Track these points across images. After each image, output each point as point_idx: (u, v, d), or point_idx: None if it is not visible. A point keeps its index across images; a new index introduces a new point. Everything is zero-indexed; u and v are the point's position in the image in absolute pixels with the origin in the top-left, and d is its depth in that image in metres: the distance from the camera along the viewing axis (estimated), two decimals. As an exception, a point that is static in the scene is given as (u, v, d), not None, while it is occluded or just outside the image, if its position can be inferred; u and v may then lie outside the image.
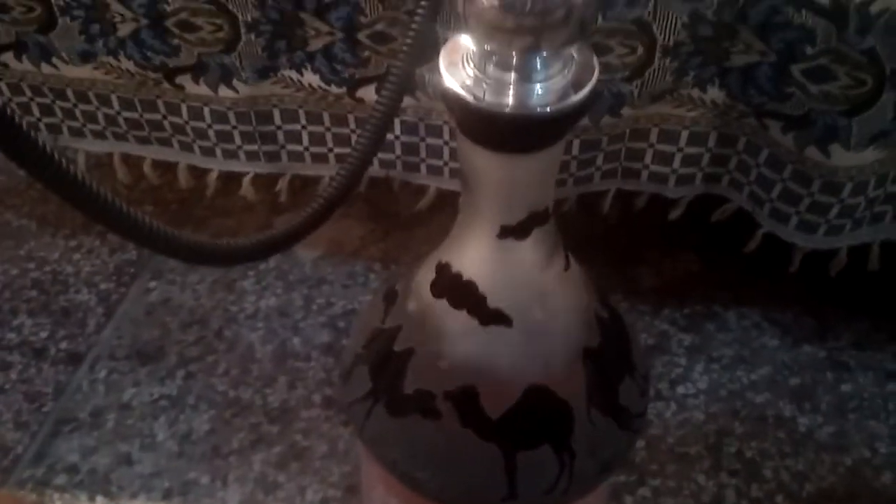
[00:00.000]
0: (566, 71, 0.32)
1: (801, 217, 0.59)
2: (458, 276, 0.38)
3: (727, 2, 0.51)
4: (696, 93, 0.57)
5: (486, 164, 0.34)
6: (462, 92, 0.32)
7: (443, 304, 0.39)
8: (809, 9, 0.50)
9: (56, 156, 0.28)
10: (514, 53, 0.31)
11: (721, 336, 0.73)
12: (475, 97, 0.32)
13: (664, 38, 0.53)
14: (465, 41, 0.33)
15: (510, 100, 0.31)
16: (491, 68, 0.32)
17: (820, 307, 0.74)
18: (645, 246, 0.79)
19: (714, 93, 0.56)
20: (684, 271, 0.78)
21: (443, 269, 0.39)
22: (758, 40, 0.52)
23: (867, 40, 0.50)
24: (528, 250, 0.37)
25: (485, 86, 0.32)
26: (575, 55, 0.33)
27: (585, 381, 0.40)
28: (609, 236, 0.78)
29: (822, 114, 0.53)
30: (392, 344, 0.41)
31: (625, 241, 0.79)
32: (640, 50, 0.54)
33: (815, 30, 0.50)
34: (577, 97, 0.32)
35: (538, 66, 0.31)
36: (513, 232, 0.36)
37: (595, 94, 0.32)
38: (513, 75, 0.31)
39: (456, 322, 0.39)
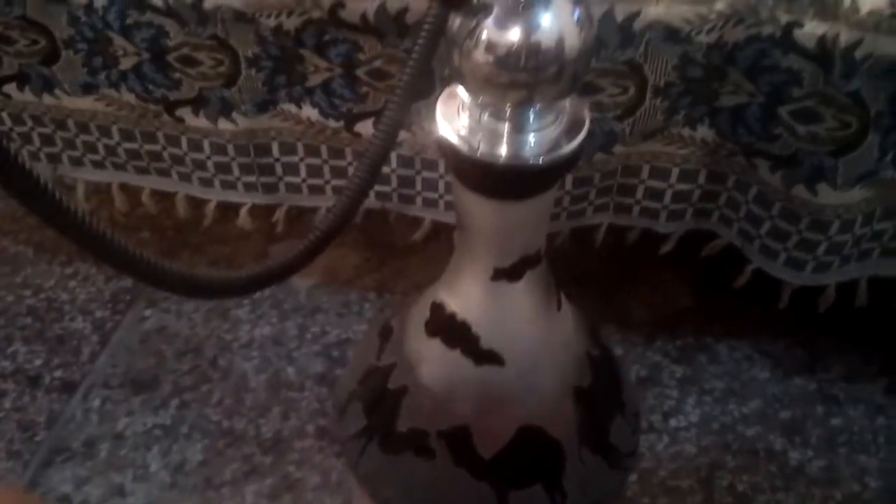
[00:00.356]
0: (558, 121, 0.34)
1: (789, 254, 0.61)
2: (452, 316, 0.39)
3: (716, 45, 0.53)
4: (686, 131, 0.58)
5: (480, 209, 0.35)
6: (457, 142, 0.33)
7: (437, 343, 0.40)
8: (796, 52, 0.51)
9: (48, 185, 0.29)
10: (507, 106, 0.32)
11: (713, 368, 0.74)
12: (470, 147, 0.33)
13: (655, 79, 0.55)
14: (461, 91, 0.34)
15: (504, 150, 0.32)
16: (485, 118, 0.33)
17: (810, 339, 0.75)
18: (637, 278, 0.80)
19: (704, 132, 0.58)
20: (676, 303, 0.79)
21: (437, 309, 0.40)
22: (746, 82, 0.54)
23: (852, 84, 0.51)
24: (520, 292, 0.38)
25: (479, 135, 0.33)
26: (567, 105, 0.35)
27: (576, 420, 0.41)
28: (602, 269, 0.79)
29: (810, 154, 0.55)
30: (386, 381, 0.42)
31: (617, 273, 0.80)
32: (632, 90, 0.56)
33: (802, 73, 0.52)
34: (569, 147, 0.33)
35: (531, 118, 0.32)
36: (506, 274, 0.37)
37: (586, 145, 0.34)
38: (506, 126, 0.33)
39: (449, 361, 0.39)
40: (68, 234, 0.33)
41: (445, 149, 0.34)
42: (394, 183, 0.66)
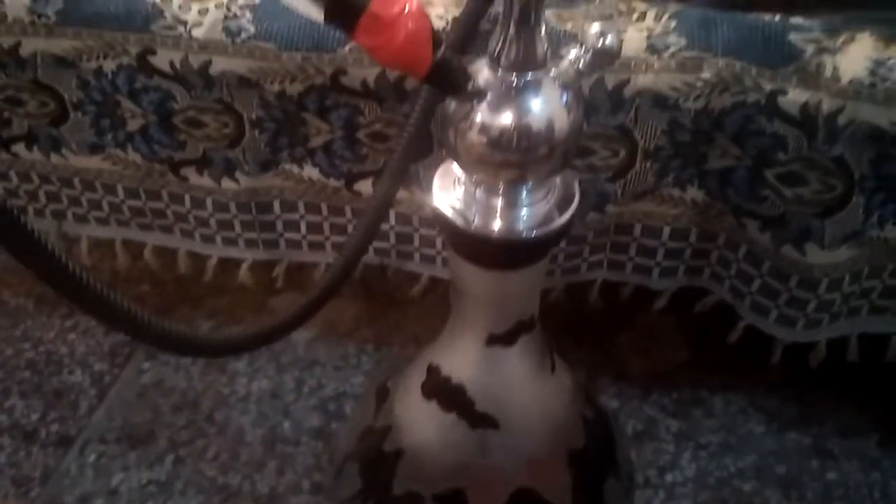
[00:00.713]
0: (550, 195, 0.35)
1: (780, 311, 0.62)
2: (448, 379, 0.40)
3: (703, 111, 0.55)
4: (676, 192, 0.60)
5: (475, 278, 0.37)
6: (453, 215, 0.35)
7: (433, 405, 0.41)
8: (781, 119, 0.54)
9: (55, 251, 0.30)
10: (501, 183, 0.34)
11: (708, 422, 0.75)
12: (465, 220, 0.34)
13: (645, 143, 0.57)
14: (456, 167, 0.36)
15: (498, 224, 0.34)
16: (479, 193, 0.35)
17: (804, 393, 0.76)
18: (633, 331, 0.81)
19: (693, 192, 0.60)
20: (672, 356, 0.80)
21: (433, 372, 0.41)
22: (733, 146, 0.56)
23: (836, 149, 0.53)
24: (515, 356, 0.39)
25: (474, 209, 0.35)
26: (558, 179, 0.36)
27: (571, 482, 0.41)
28: (597, 321, 0.80)
29: (797, 215, 0.56)
30: (382, 443, 0.43)
31: (613, 325, 0.81)
32: (623, 153, 0.58)
33: (787, 138, 0.54)
34: (560, 221, 0.35)
35: (524, 194, 0.34)
36: (500, 339, 0.38)
37: (576, 217, 0.35)
38: (500, 201, 0.34)
39: (445, 424, 0.40)
40: (73, 299, 0.34)
41: (441, 221, 0.35)
42: (392, 240, 0.68)
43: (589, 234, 0.63)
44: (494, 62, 0.31)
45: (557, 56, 0.33)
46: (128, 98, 0.62)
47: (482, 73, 0.31)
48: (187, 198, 0.68)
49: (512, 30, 0.30)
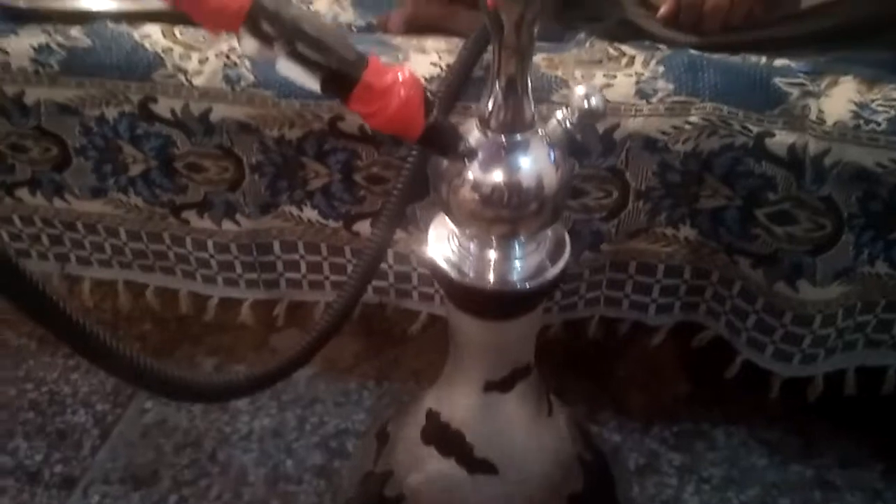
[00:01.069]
0: (542, 247, 0.37)
1: (776, 346, 0.63)
2: (447, 425, 0.41)
3: (692, 153, 0.56)
4: (669, 231, 0.61)
5: (470, 327, 0.38)
6: (447, 267, 0.36)
7: (432, 451, 0.42)
8: (769, 160, 0.55)
9: (51, 296, 0.31)
10: (493, 237, 0.35)
11: (710, 455, 0.75)
12: (460, 272, 0.36)
13: (637, 184, 0.58)
14: (450, 221, 0.37)
15: (492, 277, 0.35)
16: (473, 246, 0.36)
17: (804, 425, 0.76)
18: (632, 365, 0.82)
19: (686, 231, 0.61)
20: (672, 390, 0.80)
21: (432, 417, 0.42)
22: (723, 186, 0.57)
23: (824, 188, 0.54)
24: (512, 402, 0.40)
25: (469, 261, 0.36)
26: (549, 231, 0.38)
27: (569, 527, 0.42)
28: (597, 356, 0.81)
29: (788, 253, 0.58)
30: (383, 489, 0.43)
31: (612, 360, 0.82)
32: (616, 193, 0.59)
33: (776, 178, 0.55)
34: (553, 271, 0.36)
35: (516, 247, 0.35)
36: (497, 386, 0.39)
37: (570, 261, 0.36)
38: (493, 254, 0.35)
39: (444, 470, 0.41)
40: (77, 349, 0.35)
41: (437, 273, 0.37)
42: (391, 278, 0.69)
43: (585, 272, 0.64)
44: (484, 124, 0.33)
45: (544, 117, 0.34)
46: (129, 144, 0.64)
47: (473, 133, 0.33)
48: (189, 240, 0.69)
49: (500, 97, 0.31)
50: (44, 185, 0.69)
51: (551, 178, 0.33)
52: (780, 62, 0.61)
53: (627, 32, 0.70)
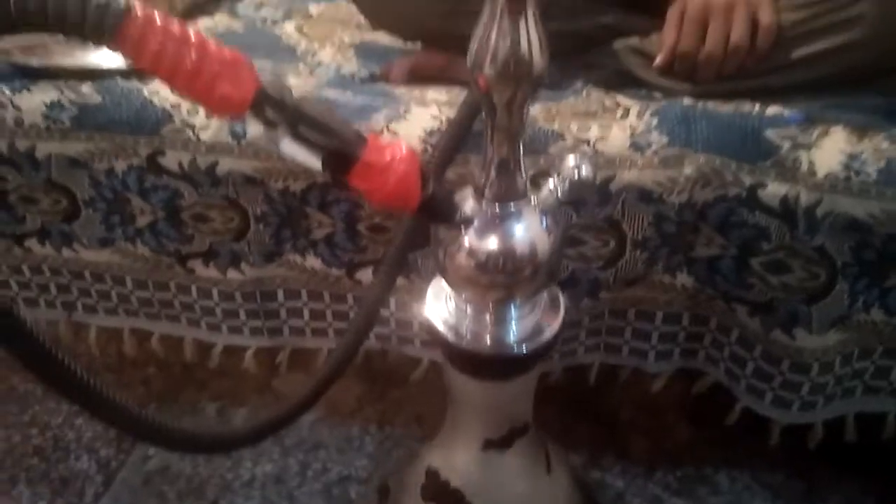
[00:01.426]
0: (537, 309, 0.38)
1: (775, 393, 0.63)
2: (447, 483, 0.42)
3: (687, 204, 0.58)
4: (666, 279, 0.62)
5: (467, 387, 0.39)
6: (444, 330, 0.37)
7: (432, 508, 0.42)
8: (762, 211, 0.57)
9: (51, 349, 0.32)
10: (489, 301, 0.36)
11: (714, 500, 0.75)
12: (457, 335, 0.37)
13: (633, 234, 0.60)
14: (446, 284, 0.38)
15: (488, 340, 0.36)
16: (470, 309, 0.37)
17: (807, 469, 0.77)
18: (634, 409, 0.82)
19: (683, 278, 0.62)
20: (674, 434, 0.81)
21: (432, 475, 0.43)
22: (718, 236, 0.59)
23: (817, 238, 0.56)
24: (511, 460, 0.41)
25: (466, 324, 0.37)
26: (545, 293, 0.39)
27: (568, 583, 0.42)
28: (599, 401, 0.82)
29: (784, 301, 0.59)
30: (384, 546, 0.44)
31: (615, 405, 0.82)
32: (613, 243, 0.60)
33: (769, 229, 0.57)
34: (549, 333, 0.37)
35: (512, 310, 0.37)
36: (496, 444, 0.40)
37: (564, 327, 0.37)
38: (489, 317, 0.37)
39: (444, 527, 0.42)
40: (79, 403, 0.36)
41: (435, 335, 0.38)
42: (392, 325, 0.70)
43: (584, 319, 0.66)
44: (479, 193, 0.34)
45: (536, 186, 0.36)
46: (137, 196, 0.66)
47: (468, 202, 0.34)
48: (194, 288, 0.71)
49: (494, 172, 0.33)
50: (53, 235, 0.71)
51: (544, 244, 0.35)
52: (772, 110, 0.63)
53: (624, 80, 0.73)
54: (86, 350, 0.82)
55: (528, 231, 0.34)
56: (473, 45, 0.31)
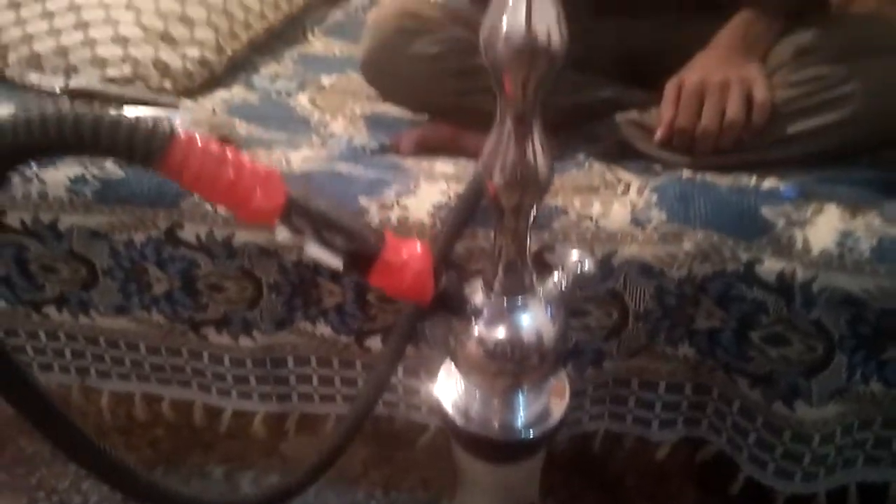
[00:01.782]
0: (544, 395, 0.40)
1: (777, 464, 0.65)
2: (455, 559, 0.43)
3: (687, 279, 0.60)
4: (669, 350, 0.65)
5: (475, 466, 0.41)
6: (453, 413, 0.39)
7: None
8: (759, 286, 0.59)
9: (60, 412, 0.34)
10: (498, 389, 0.39)
11: (719, 568, 0.76)
12: (466, 419, 0.39)
13: (635, 306, 0.62)
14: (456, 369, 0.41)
15: (496, 424, 0.39)
16: (479, 394, 0.40)
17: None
18: (640, 476, 0.83)
19: (685, 349, 0.64)
20: (679, 501, 0.82)
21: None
22: (718, 309, 0.61)
23: (813, 312, 0.58)
24: (517, 537, 0.43)
25: (474, 408, 0.39)
26: (551, 378, 0.41)
27: None
28: (604, 467, 0.83)
29: (784, 374, 0.61)
30: None
31: (621, 472, 0.83)
32: (616, 315, 0.63)
33: (767, 303, 0.59)
34: (555, 417, 0.39)
35: (520, 396, 0.39)
36: (503, 522, 0.42)
37: (568, 414, 0.40)
38: (498, 402, 0.39)
39: None
40: (76, 460, 0.38)
41: (443, 417, 0.40)
42: (400, 392, 0.72)
43: (589, 388, 0.68)
44: (488, 286, 0.37)
45: (541, 263, 0.39)
46: (155, 266, 0.69)
47: (477, 295, 0.37)
48: (206, 354, 0.73)
49: (502, 269, 0.36)
50: (71, 302, 0.73)
51: (549, 333, 0.37)
52: (768, 184, 0.66)
53: (625, 152, 0.76)
54: (96, 411, 0.84)
55: (534, 322, 0.37)
56: (484, 156, 0.34)
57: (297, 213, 0.32)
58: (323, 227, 0.32)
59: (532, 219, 0.35)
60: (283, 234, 0.32)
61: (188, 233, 0.67)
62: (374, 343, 0.70)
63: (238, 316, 0.70)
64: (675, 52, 0.79)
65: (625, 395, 0.68)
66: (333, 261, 0.33)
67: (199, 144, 0.29)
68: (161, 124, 0.29)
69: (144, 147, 0.29)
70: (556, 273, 0.38)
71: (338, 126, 0.86)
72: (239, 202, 0.31)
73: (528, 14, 0.30)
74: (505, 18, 0.30)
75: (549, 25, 0.30)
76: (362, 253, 0.33)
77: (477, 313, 0.37)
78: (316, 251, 0.33)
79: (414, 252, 0.34)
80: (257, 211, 0.31)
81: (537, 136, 0.33)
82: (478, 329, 0.37)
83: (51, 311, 0.74)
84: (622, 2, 0.85)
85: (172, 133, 0.29)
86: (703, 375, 0.66)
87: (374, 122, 0.88)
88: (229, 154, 0.30)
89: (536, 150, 0.33)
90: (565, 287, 0.37)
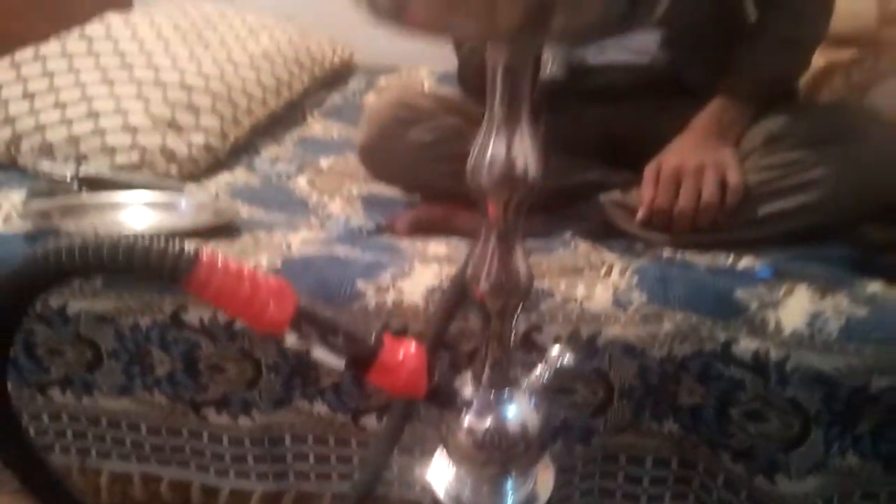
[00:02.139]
0: (530, 480, 0.44)
1: (764, 538, 0.68)
2: None
3: (668, 358, 0.64)
4: (654, 426, 0.68)
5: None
6: (445, 498, 0.43)
7: None
8: (736, 365, 0.63)
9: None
10: (487, 476, 0.42)
11: None
12: (457, 503, 0.42)
13: (620, 384, 0.66)
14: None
15: (486, 509, 0.42)
16: (469, 481, 0.43)
17: None
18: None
19: (670, 425, 0.68)
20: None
21: None
22: (699, 386, 0.65)
23: (788, 390, 0.62)
24: None
25: (466, 494, 0.43)
26: (538, 465, 0.45)
27: None
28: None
29: (763, 449, 0.64)
30: None
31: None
32: (601, 393, 0.67)
33: (744, 381, 0.63)
34: (542, 500, 0.43)
35: (508, 483, 0.42)
36: None
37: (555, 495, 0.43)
38: (487, 488, 0.42)
39: None
40: None
41: (436, 502, 0.43)
42: (395, 471, 0.75)
43: (578, 464, 0.71)
44: (476, 381, 0.41)
45: (526, 371, 0.43)
46: (159, 348, 0.73)
47: (467, 388, 0.41)
48: (205, 434, 0.76)
49: (488, 367, 0.40)
50: (75, 384, 0.77)
51: (534, 422, 0.41)
52: (744, 263, 0.71)
53: (609, 231, 0.82)
54: (94, 491, 0.86)
55: (519, 412, 0.41)
56: (471, 266, 0.38)
57: (305, 320, 0.36)
58: (328, 332, 0.36)
59: (516, 322, 0.39)
60: (291, 340, 0.36)
61: (192, 317, 0.71)
62: (370, 421, 0.73)
63: (237, 396, 0.74)
64: (655, 136, 0.85)
65: (613, 470, 0.71)
66: (337, 362, 0.37)
67: (220, 264, 0.34)
68: (186, 246, 0.33)
69: (172, 268, 0.33)
70: (539, 366, 0.42)
71: (335, 207, 0.91)
72: (255, 314, 0.35)
73: (509, 148, 0.35)
74: (489, 152, 0.35)
75: (527, 156, 0.35)
76: (362, 355, 0.37)
77: (466, 405, 0.40)
78: (321, 353, 0.37)
79: (409, 352, 0.38)
80: (271, 322, 0.35)
81: (518, 249, 0.37)
82: (467, 420, 0.41)
83: (55, 392, 0.77)
84: (605, 91, 0.91)
85: (197, 255, 0.33)
86: (688, 450, 0.69)
87: (370, 203, 0.93)
88: (245, 271, 0.35)
89: (518, 261, 0.37)
90: (547, 380, 0.41)
